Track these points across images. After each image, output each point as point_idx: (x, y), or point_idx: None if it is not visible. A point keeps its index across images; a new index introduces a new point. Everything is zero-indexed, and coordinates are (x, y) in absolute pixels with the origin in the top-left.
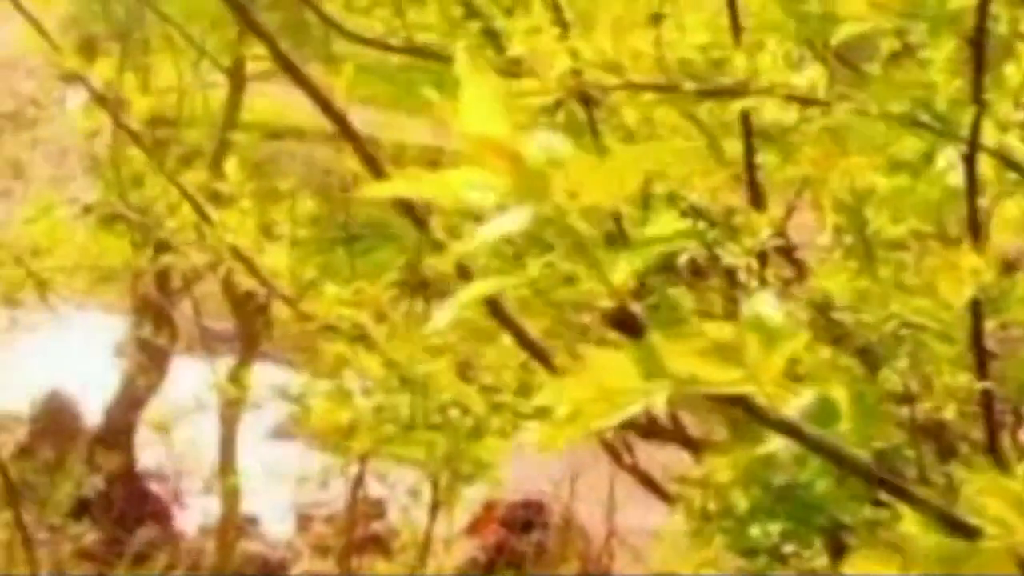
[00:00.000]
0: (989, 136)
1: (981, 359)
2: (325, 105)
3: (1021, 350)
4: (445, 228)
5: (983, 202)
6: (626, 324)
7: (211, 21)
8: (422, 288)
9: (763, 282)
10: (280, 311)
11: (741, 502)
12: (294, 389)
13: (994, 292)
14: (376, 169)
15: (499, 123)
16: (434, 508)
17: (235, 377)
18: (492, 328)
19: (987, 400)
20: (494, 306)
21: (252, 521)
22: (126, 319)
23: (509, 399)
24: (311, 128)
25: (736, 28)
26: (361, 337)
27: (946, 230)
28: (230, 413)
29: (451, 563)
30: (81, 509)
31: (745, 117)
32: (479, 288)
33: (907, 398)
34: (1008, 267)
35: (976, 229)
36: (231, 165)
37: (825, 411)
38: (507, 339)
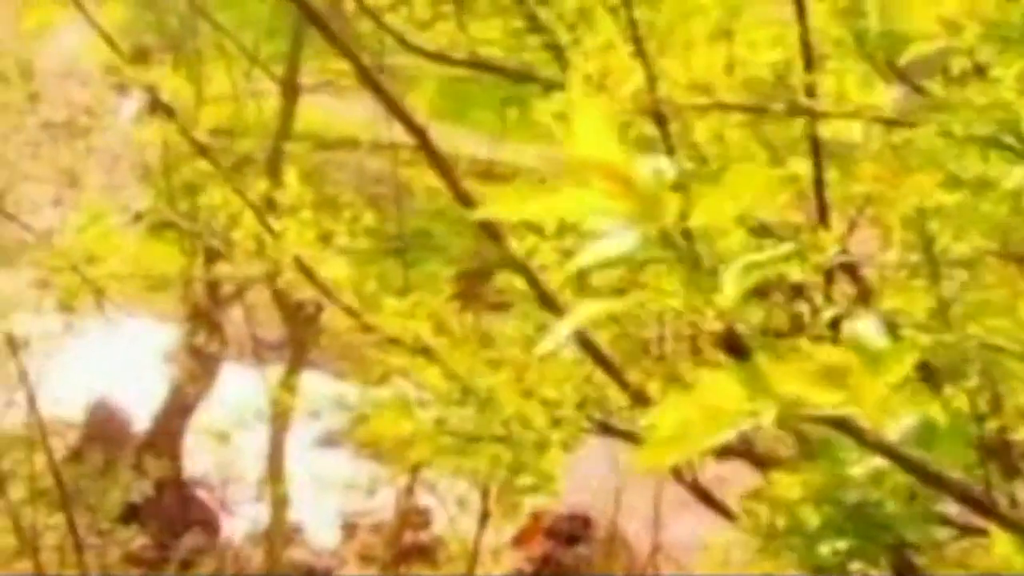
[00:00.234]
0: None
1: None
2: (406, 120)
3: None
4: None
5: None
6: (733, 345)
7: (265, 31)
8: (477, 301)
9: (828, 299)
10: (330, 321)
11: (812, 519)
12: (345, 398)
13: None
14: (455, 186)
15: (611, 147)
16: (483, 518)
17: (285, 385)
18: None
19: None
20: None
21: (297, 529)
22: (176, 326)
23: (570, 413)
24: (362, 139)
25: (807, 49)
26: (423, 349)
27: (1009, 249)
28: (279, 421)
29: (497, 574)
30: (130, 514)
31: (813, 136)
32: (596, 307)
33: (977, 417)
34: None
35: None
36: (291, 176)
37: (926, 434)
38: (567, 354)
